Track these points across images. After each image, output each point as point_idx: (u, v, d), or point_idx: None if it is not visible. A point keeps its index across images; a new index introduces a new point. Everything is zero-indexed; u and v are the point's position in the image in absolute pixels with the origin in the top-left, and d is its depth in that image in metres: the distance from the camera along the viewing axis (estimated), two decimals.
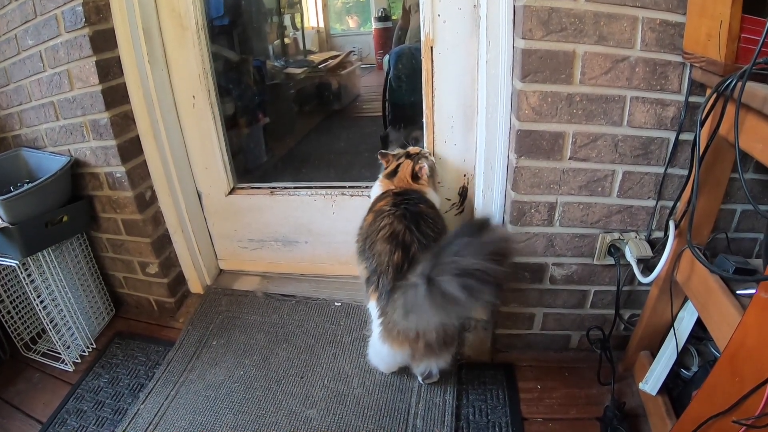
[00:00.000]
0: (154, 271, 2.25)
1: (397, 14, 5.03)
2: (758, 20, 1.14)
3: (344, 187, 2.25)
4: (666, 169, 1.59)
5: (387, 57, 3.36)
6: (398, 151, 1.93)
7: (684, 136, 1.53)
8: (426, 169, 1.78)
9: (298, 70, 4.00)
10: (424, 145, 2.01)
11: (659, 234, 1.68)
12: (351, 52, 4.76)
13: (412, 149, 1.92)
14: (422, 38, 1.83)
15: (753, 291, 1.07)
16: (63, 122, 2.03)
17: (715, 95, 1.23)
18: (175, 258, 2.34)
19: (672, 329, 1.57)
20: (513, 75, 1.63)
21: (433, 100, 1.91)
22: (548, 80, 1.52)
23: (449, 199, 2.11)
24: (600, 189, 1.64)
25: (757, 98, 1.06)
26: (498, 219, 1.86)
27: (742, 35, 1.17)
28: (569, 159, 1.61)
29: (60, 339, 2.05)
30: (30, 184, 1.87)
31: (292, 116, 3.91)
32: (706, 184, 1.40)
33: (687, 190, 1.48)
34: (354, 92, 4.55)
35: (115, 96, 1.95)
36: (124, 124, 2.00)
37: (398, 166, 1.84)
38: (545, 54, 1.49)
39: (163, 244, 2.26)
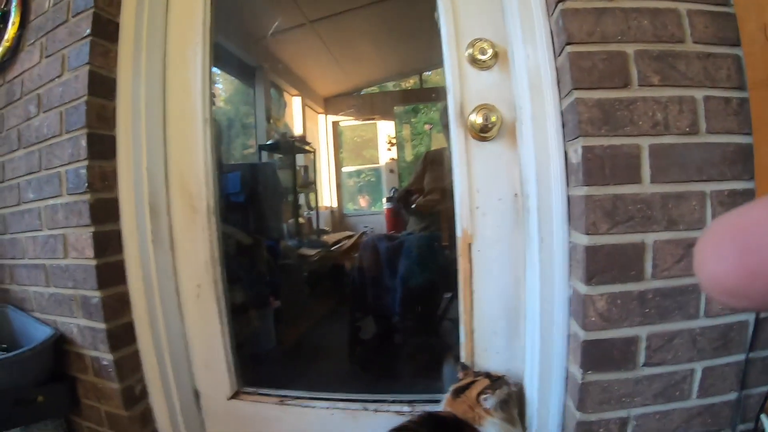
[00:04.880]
0: None
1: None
2: None
3: (366, 401, 1.89)
4: (747, 355, 1.34)
5: None
6: (480, 370, 1.61)
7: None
8: (489, 402, 1.42)
9: (312, 252, 3.89)
10: (462, 354, 1.70)
11: (746, 427, 1.39)
12: (364, 232, 4.67)
13: (495, 373, 1.58)
14: (458, 234, 1.62)
15: None
16: (52, 290, 1.81)
17: None
18: None
19: None
20: (571, 276, 1.41)
21: (472, 303, 1.65)
22: (617, 280, 1.29)
23: None
24: (678, 393, 1.36)
25: None
26: None
27: None
28: (643, 366, 1.34)
29: None
30: (4, 354, 1.63)
31: (304, 300, 3.70)
32: None
33: None
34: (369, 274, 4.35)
35: (111, 274, 1.72)
36: (117, 306, 1.74)
37: (471, 383, 1.50)
38: (612, 249, 1.28)
39: None
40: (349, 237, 4.37)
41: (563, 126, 1.40)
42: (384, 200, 5.02)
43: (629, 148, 1.27)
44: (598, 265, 1.28)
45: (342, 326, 3.51)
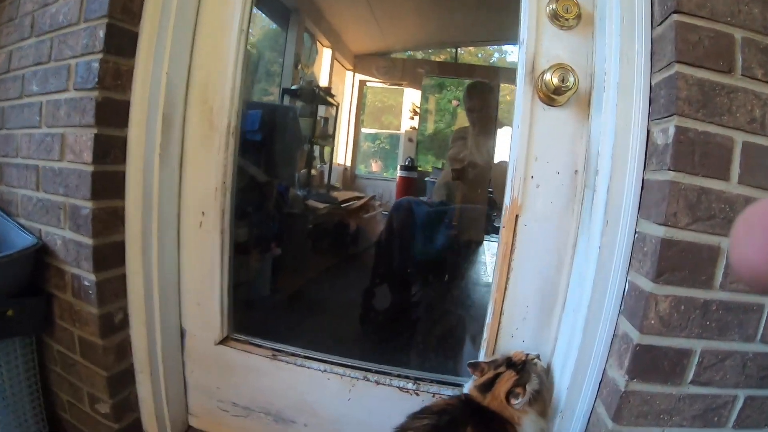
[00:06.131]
0: (104, 410, 1.66)
1: (423, 166, 4.94)
2: None
3: (368, 371, 1.68)
4: None
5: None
6: (496, 357, 1.42)
7: None
8: (520, 404, 1.23)
9: (320, 205, 3.69)
10: (485, 336, 1.49)
11: None
12: (373, 197, 4.55)
13: (516, 354, 1.37)
14: (506, 202, 1.40)
15: None
16: (42, 195, 1.61)
17: None
18: (136, 401, 1.75)
19: None
20: (631, 269, 1.21)
21: (507, 281, 1.44)
22: (685, 283, 1.10)
23: None
24: (716, 419, 1.18)
25: None
26: None
27: None
28: (690, 383, 1.15)
29: None
30: None
31: (306, 252, 3.51)
32: None
33: None
34: (372, 238, 4.19)
35: (108, 185, 1.52)
36: (109, 222, 1.54)
37: (496, 377, 1.30)
38: (687, 247, 1.08)
39: (123, 381, 1.69)
40: (359, 198, 4.19)
41: (650, 102, 1.19)
42: (398, 168, 4.84)
43: (723, 139, 1.08)
44: (670, 262, 1.08)
45: (342, 286, 3.34)
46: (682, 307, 1.10)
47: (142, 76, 1.49)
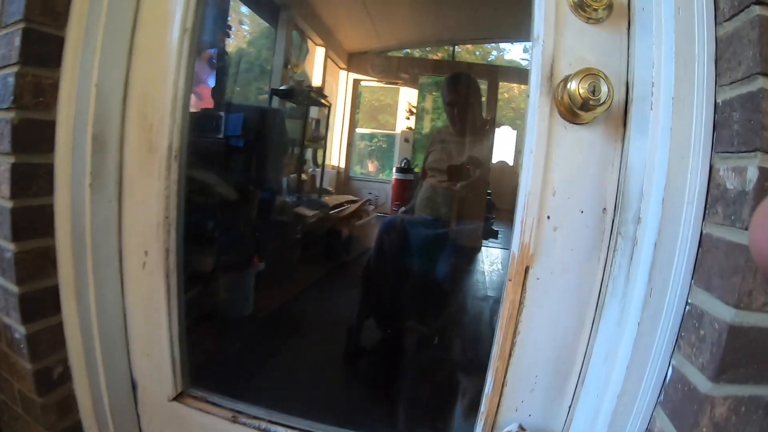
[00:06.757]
0: None
1: (420, 166, 4.76)
2: None
3: None
4: None
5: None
6: None
7: None
8: None
9: (309, 212, 3.38)
10: (483, 409, 1.15)
11: None
12: (368, 200, 4.31)
13: None
14: (514, 249, 1.06)
15: None
16: None
17: None
18: None
19: None
20: (676, 353, 0.88)
21: (512, 348, 1.10)
22: (752, 379, 0.78)
23: None
24: None
25: None
26: None
27: None
28: None
29: None
30: None
31: (293, 263, 3.20)
32: None
33: None
34: (366, 245, 3.93)
35: (33, 222, 1.21)
36: (38, 265, 1.23)
37: None
38: (759, 335, 0.76)
39: None
40: (352, 202, 3.95)
41: (714, 127, 0.85)
42: (394, 169, 4.59)
43: None
44: (736, 355, 0.76)
45: (333, 299, 2.99)
46: (743, 409, 0.79)
47: (68, 90, 1.18)
